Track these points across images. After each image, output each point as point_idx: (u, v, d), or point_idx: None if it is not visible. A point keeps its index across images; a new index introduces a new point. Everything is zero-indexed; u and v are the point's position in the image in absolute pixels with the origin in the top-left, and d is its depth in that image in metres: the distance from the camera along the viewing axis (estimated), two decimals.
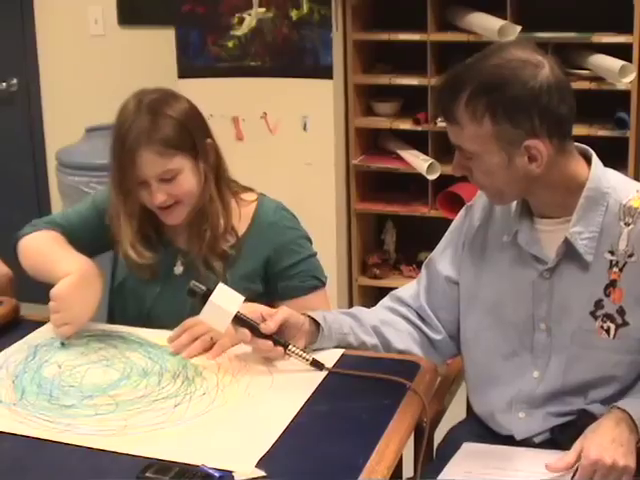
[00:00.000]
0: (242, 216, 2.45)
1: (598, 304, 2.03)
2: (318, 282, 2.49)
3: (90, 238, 2.49)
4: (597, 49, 3.82)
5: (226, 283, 2.17)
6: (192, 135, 2.33)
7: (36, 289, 2.43)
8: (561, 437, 2.07)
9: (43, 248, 2.43)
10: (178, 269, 2.46)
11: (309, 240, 2.52)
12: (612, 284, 2.02)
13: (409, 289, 2.31)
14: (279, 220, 2.47)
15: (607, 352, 2.04)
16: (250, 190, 2.51)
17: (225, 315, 2.10)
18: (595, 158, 2.07)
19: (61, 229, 2.49)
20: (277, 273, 2.45)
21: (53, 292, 2.22)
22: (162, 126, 2.29)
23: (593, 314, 2.04)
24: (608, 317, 2.03)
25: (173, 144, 2.29)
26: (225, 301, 2.11)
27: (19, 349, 2.25)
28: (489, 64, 1.98)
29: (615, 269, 2.01)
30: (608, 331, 2.03)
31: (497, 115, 1.94)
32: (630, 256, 2.00)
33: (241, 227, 2.45)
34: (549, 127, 1.95)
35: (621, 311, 2.02)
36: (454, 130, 2.01)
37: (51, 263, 2.33)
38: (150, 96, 2.34)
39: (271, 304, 2.33)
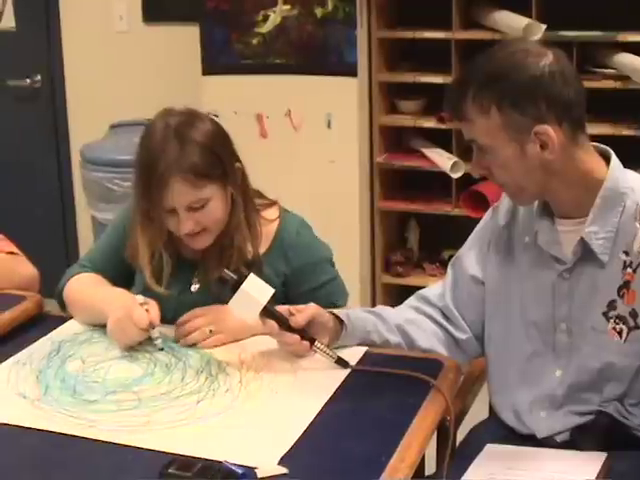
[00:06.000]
0: (264, 236, 2.38)
1: (611, 305, 2.02)
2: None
3: (118, 272, 2.46)
4: (623, 48, 3.79)
5: None
6: (222, 161, 2.26)
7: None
8: (580, 438, 2.07)
9: (85, 294, 2.40)
10: (195, 286, 2.41)
11: (330, 262, 2.46)
12: (625, 285, 2.00)
13: (435, 289, 2.31)
14: (300, 242, 2.40)
15: (618, 355, 2.03)
16: (273, 204, 2.44)
17: (255, 305, 2.09)
18: (614, 158, 2.06)
19: (90, 271, 2.47)
20: (296, 297, 2.36)
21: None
22: (191, 154, 2.20)
23: (605, 315, 2.02)
24: (620, 319, 2.01)
25: (204, 173, 2.21)
26: (255, 291, 2.09)
27: (43, 345, 2.26)
28: (493, 58, 2.00)
29: (629, 270, 1.99)
30: (620, 333, 2.01)
31: (503, 105, 1.95)
32: None
33: (262, 247, 2.38)
34: (557, 112, 1.95)
35: (634, 313, 2.00)
36: (466, 127, 2.02)
37: (100, 303, 2.32)
38: (176, 119, 2.25)
39: None
